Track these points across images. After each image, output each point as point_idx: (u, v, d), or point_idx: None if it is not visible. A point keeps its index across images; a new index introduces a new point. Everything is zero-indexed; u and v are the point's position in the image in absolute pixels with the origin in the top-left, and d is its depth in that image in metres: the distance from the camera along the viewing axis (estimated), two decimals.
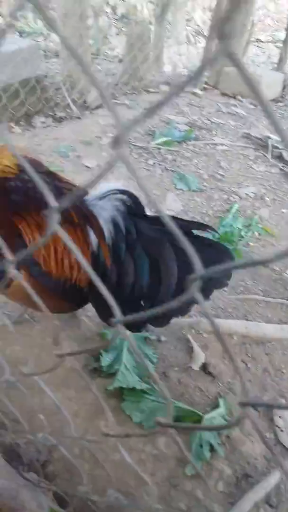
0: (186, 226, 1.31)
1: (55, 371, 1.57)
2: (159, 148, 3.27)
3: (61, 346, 1.73)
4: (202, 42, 6.03)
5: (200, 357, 1.74)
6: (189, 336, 1.82)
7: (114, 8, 6.54)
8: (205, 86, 4.62)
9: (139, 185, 0.40)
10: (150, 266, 1.29)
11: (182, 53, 5.00)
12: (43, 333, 1.75)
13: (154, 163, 3.11)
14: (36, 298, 0.60)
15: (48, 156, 3.06)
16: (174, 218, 1.40)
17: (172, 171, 3.01)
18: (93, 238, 1.30)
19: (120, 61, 4.81)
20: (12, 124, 3.41)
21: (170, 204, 2.66)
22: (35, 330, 1.75)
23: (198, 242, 1.26)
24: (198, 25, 6.72)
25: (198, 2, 6.84)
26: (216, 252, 1.28)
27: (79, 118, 3.66)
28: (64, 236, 0.51)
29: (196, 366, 1.72)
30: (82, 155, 3.10)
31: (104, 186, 1.36)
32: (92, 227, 1.29)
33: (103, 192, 1.34)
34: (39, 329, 1.76)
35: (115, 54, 5.29)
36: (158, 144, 3.31)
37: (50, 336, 1.73)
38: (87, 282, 1.36)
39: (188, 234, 1.29)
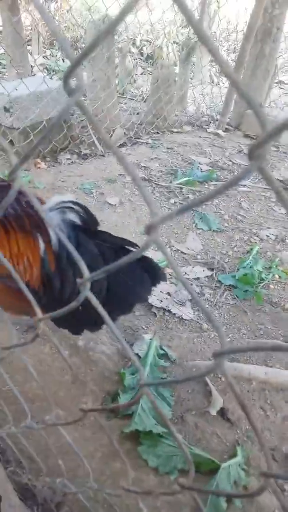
0: (121, 241, 1.47)
1: (72, 410, 1.58)
2: (181, 188, 3.33)
3: (78, 384, 1.74)
4: (225, 83, 6.19)
5: (218, 401, 1.72)
6: (207, 379, 1.80)
7: (139, 48, 6.81)
8: (228, 127, 4.71)
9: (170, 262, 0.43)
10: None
11: (205, 93, 5.14)
12: (62, 370, 1.77)
13: (176, 202, 3.16)
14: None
15: (72, 192, 3.15)
16: (111, 235, 1.50)
17: (193, 210, 3.06)
18: (41, 244, 1.39)
19: (144, 100, 4.96)
20: (39, 160, 3.53)
21: (190, 244, 2.70)
22: (54, 367, 1.77)
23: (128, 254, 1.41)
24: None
25: (222, 43, 7.07)
26: (145, 265, 1.45)
27: (103, 155, 3.77)
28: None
29: (214, 411, 1.70)
30: (105, 192, 3.19)
31: (56, 198, 1.46)
32: (41, 234, 1.39)
33: (55, 203, 1.44)
34: (58, 366, 1.78)
35: (140, 92, 5.47)
36: (180, 183, 3.37)
37: (68, 374, 1.75)
38: (38, 285, 1.45)
39: (122, 248, 1.44)
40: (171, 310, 2.15)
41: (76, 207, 1.44)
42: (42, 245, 1.39)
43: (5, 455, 1.49)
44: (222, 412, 1.70)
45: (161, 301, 2.20)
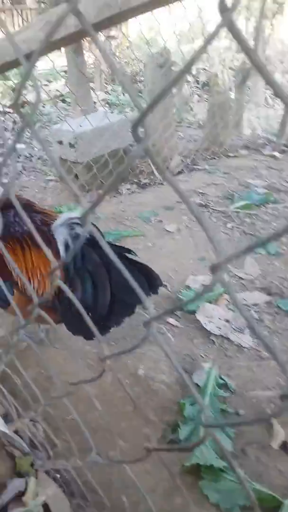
0: (120, 249, 1.63)
1: (133, 442, 1.62)
2: (238, 212, 3.34)
3: (139, 414, 1.78)
4: (281, 105, 6.14)
5: (280, 435, 1.68)
6: (269, 411, 1.78)
7: (196, 77, 6.95)
8: (284, 148, 4.66)
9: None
10: (92, 283, 1.55)
11: (261, 116, 5.13)
12: (123, 400, 1.81)
13: (233, 226, 3.17)
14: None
15: (132, 221, 3.26)
16: (112, 245, 1.67)
17: (250, 234, 3.05)
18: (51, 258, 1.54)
19: (201, 126, 5.04)
20: (101, 191, 3.69)
21: (248, 268, 2.68)
22: (116, 396, 1.82)
23: (129, 262, 1.57)
24: None
25: (276, 65, 7.04)
26: (143, 271, 1.57)
27: (161, 184, 3.87)
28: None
29: (275, 445, 1.66)
30: (163, 219, 3.26)
31: (65, 215, 1.63)
32: (51, 249, 1.53)
33: (64, 220, 1.61)
34: (120, 396, 1.82)
35: (196, 119, 5.57)
36: (237, 208, 3.38)
37: (130, 404, 1.79)
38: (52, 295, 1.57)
39: (121, 255, 1.58)
40: (230, 338, 2.15)
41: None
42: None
43: (69, 487, 1.52)
44: (284, 446, 1.66)
45: (220, 328, 2.20)
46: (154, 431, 1.72)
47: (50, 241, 1.56)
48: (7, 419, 1.68)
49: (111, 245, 1.66)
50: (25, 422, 1.54)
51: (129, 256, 1.62)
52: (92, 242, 1.58)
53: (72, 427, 1.67)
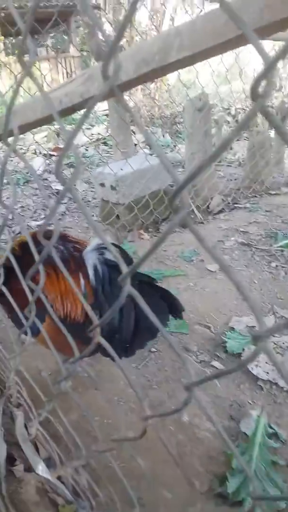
0: (146, 277, 1.73)
1: (178, 492, 1.55)
2: (282, 250, 3.26)
3: (184, 463, 1.70)
4: None
5: None
6: None
7: (235, 117, 7.05)
8: None
9: None
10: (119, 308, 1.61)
11: None
12: (170, 456, 1.74)
13: (277, 265, 3.09)
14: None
15: (173, 260, 3.25)
16: (138, 272, 1.63)
17: None
18: (82, 281, 1.63)
19: (240, 164, 5.06)
20: (142, 231, 3.73)
21: None
22: (160, 444, 1.76)
23: (151, 288, 1.69)
24: None
25: None
26: (166, 298, 1.68)
27: (202, 223, 3.87)
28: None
29: None
30: (205, 259, 3.23)
31: (95, 241, 1.72)
32: (82, 273, 1.63)
33: (94, 245, 1.70)
34: (168, 453, 1.75)
35: (236, 158, 5.60)
36: (281, 246, 3.30)
37: (174, 450, 1.72)
38: (83, 318, 1.67)
39: (146, 282, 1.68)
40: (279, 383, 2.05)
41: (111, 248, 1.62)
42: (82, 282, 1.64)
43: None
44: None
45: (268, 373, 2.10)
46: (201, 482, 1.64)
47: (81, 266, 1.65)
48: (50, 462, 1.65)
49: (139, 273, 1.71)
50: (68, 470, 1.50)
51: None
52: (116, 265, 1.68)
53: (115, 475, 1.62)
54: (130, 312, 1.65)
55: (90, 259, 1.68)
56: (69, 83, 2.36)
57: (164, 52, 1.33)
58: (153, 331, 1.71)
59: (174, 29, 1.28)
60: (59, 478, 1.62)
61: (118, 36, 0.43)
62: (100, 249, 1.70)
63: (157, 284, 1.76)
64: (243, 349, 2.20)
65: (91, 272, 1.65)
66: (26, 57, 0.61)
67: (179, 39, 1.24)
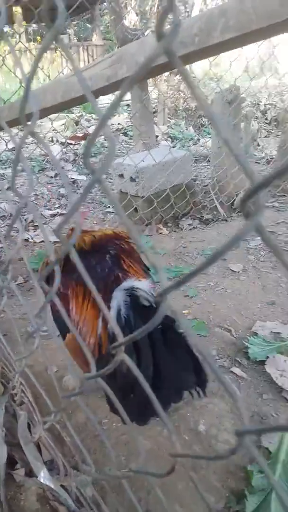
0: (169, 320, 1.30)
1: (192, 508, 1.44)
2: None
3: (199, 476, 1.59)
4: None
5: None
6: None
7: (264, 112, 6.84)
8: None
9: None
10: (137, 357, 1.29)
11: None
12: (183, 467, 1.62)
13: None
14: None
15: (194, 258, 3.12)
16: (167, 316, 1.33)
17: None
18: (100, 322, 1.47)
19: (269, 162, 4.88)
20: (161, 226, 3.61)
21: None
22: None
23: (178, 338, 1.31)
24: None
25: None
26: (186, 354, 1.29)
27: (225, 220, 3.72)
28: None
29: None
30: (227, 258, 3.09)
31: (131, 283, 1.49)
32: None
33: (127, 286, 1.47)
34: (181, 464, 1.64)
35: (264, 155, 5.42)
36: None
37: (188, 461, 1.61)
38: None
39: (169, 327, 1.31)
40: None
41: (142, 293, 1.45)
42: (100, 320, 1.47)
43: None
44: None
45: None
46: (217, 498, 1.53)
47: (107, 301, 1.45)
48: (53, 465, 1.55)
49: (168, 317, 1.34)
50: (72, 482, 1.40)
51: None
52: (143, 312, 1.41)
53: (121, 485, 1.51)
54: (148, 361, 1.29)
55: (116, 298, 1.43)
56: (93, 66, 2.23)
57: (206, 34, 1.20)
58: (180, 388, 1.31)
59: (217, 9, 1.15)
60: (62, 485, 1.52)
61: None
62: (132, 290, 1.45)
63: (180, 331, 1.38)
64: (267, 357, 2.07)
65: (113, 313, 1.39)
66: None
67: (224, 19, 1.11)
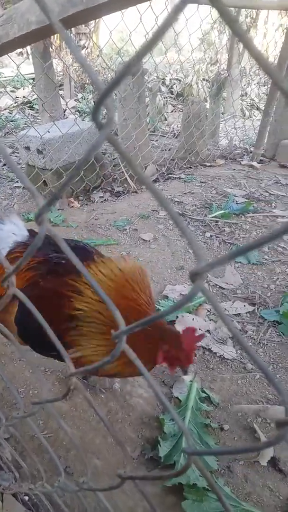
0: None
1: (109, 459, 1.47)
2: (216, 221, 3.25)
3: (115, 430, 1.63)
4: (257, 115, 6.18)
5: (268, 450, 1.56)
6: (255, 426, 1.65)
7: (169, 87, 6.95)
8: (262, 158, 4.62)
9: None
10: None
11: (237, 126, 5.12)
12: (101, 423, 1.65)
13: (212, 235, 3.07)
14: None
15: (106, 229, 3.13)
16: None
17: (230, 243, 2.96)
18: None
19: (175, 136, 5.00)
20: (72, 199, 3.56)
21: (229, 278, 2.58)
22: (90, 412, 1.68)
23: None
24: (252, 99, 6.95)
25: (252, 78, 7.12)
26: None
27: (136, 192, 3.77)
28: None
29: (263, 461, 1.53)
30: (138, 228, 3.14)
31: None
32: None
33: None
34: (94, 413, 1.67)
35: (171, 129, 5.53)
36: (215, 216, 3.29)
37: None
38: None
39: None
40: (212, 349, 2.02)
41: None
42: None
43: (39, 510, 1.39)
44: (273, 463, 1.53)
45: None
46: (133, 448, 1.58)
47: None
48: None
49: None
50: None
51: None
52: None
53: (41, 446, 1.51)
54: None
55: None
56: None
57: None
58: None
59: None
60: None
61: None
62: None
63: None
64: (177, 317, 2.16)
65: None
66: None
67: None
